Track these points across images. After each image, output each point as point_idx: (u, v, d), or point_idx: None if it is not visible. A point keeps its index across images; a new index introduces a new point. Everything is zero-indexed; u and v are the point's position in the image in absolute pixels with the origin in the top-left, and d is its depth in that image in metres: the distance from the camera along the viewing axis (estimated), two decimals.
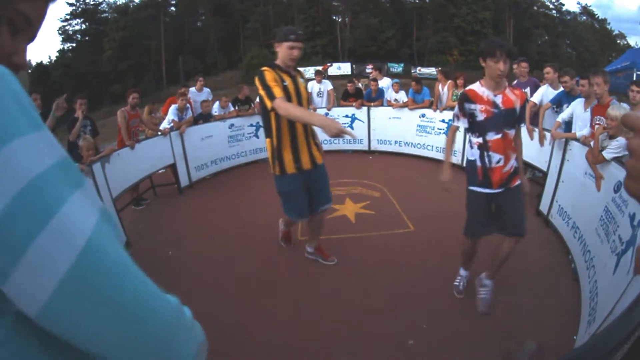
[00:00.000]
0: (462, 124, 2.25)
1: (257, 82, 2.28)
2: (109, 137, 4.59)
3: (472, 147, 2.26)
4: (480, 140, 2.22)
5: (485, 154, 2.20)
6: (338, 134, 1.93)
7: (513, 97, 2.14)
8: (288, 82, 2.34)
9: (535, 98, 4.21)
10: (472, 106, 2.17)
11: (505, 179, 2.21)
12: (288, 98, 2.28)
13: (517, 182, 2.25)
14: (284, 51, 2.31)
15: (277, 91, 2.21)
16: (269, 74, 2.26)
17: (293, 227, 3.30)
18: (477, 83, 2.20)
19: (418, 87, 5.71)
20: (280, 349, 2.14)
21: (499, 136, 2.16)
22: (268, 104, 2.22)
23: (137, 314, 0.39)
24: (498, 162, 2.18)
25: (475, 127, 2.22)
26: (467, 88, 2.23)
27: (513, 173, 2.23)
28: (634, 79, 10.74)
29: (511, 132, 2.18)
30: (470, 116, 2.20)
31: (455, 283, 2.58)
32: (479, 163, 2.23)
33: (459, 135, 2.37)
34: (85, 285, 0.35)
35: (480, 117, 2.16)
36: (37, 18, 0.43)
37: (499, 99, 2.12)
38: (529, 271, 2.79)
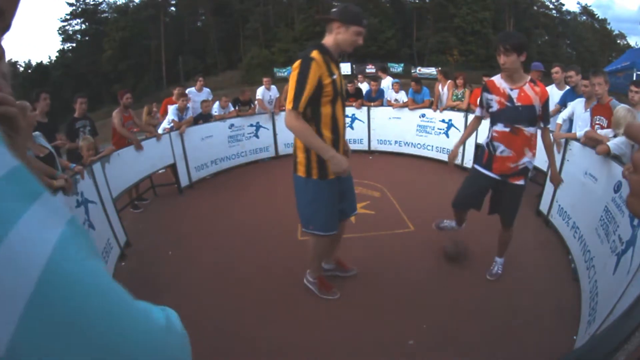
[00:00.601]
0: (478, 112, 2.43)
1: (294, 70, 1.89)
2: (108, 137, 4.58)
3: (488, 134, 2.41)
4: (489, 129, 2.34)
5: (491, 143, 2.32)
6: (341, 174, 1.96)
7: (532, 94, 2.15)
8: (337, 74, 1.97)
9: None
10: (490, 96, 2.26)
11: (507, 172, 2.28)
12: (335, 96, 1.96)
13: (519, 182, 2.29)
14: (347, 36, 1.91)
15: (304, 101, 1.87)
16: (316, 69, 1.86)
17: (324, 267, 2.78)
18: (499, 75, 2.27)
19: (418, 87, 5.70)
20: (280, 349, 2.14)
21: (507, 129, 2.21)
22: (287, 105, 1.92)
23: (112, 340, 0.32)
24: (502, 152, 2.27)
25: (491, 117, 2.34)
26: (489, 79, 2.33)
27: (519, 172, 2.28)
28: (634, 79, 10.76)
29: (528, 130, 2.20)
30: (488, 106, 2.31)
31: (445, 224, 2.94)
32: (486, 148, 2.37)
33: (455, 139, 2.51)
34: (50, 313, 0.29)
35: (494, 107, 2.25)
36: (8, 7, 0.40)
37: (514, 94, 2.16)
38: (529, 271, 2.79)
